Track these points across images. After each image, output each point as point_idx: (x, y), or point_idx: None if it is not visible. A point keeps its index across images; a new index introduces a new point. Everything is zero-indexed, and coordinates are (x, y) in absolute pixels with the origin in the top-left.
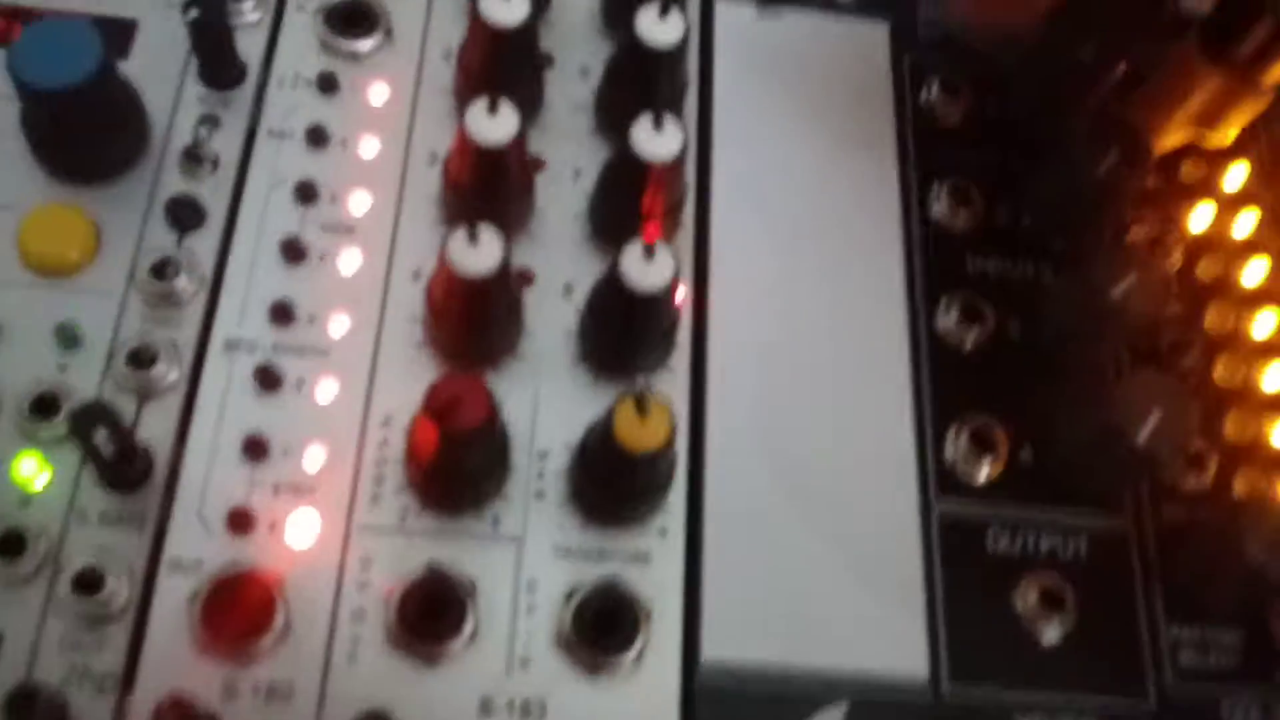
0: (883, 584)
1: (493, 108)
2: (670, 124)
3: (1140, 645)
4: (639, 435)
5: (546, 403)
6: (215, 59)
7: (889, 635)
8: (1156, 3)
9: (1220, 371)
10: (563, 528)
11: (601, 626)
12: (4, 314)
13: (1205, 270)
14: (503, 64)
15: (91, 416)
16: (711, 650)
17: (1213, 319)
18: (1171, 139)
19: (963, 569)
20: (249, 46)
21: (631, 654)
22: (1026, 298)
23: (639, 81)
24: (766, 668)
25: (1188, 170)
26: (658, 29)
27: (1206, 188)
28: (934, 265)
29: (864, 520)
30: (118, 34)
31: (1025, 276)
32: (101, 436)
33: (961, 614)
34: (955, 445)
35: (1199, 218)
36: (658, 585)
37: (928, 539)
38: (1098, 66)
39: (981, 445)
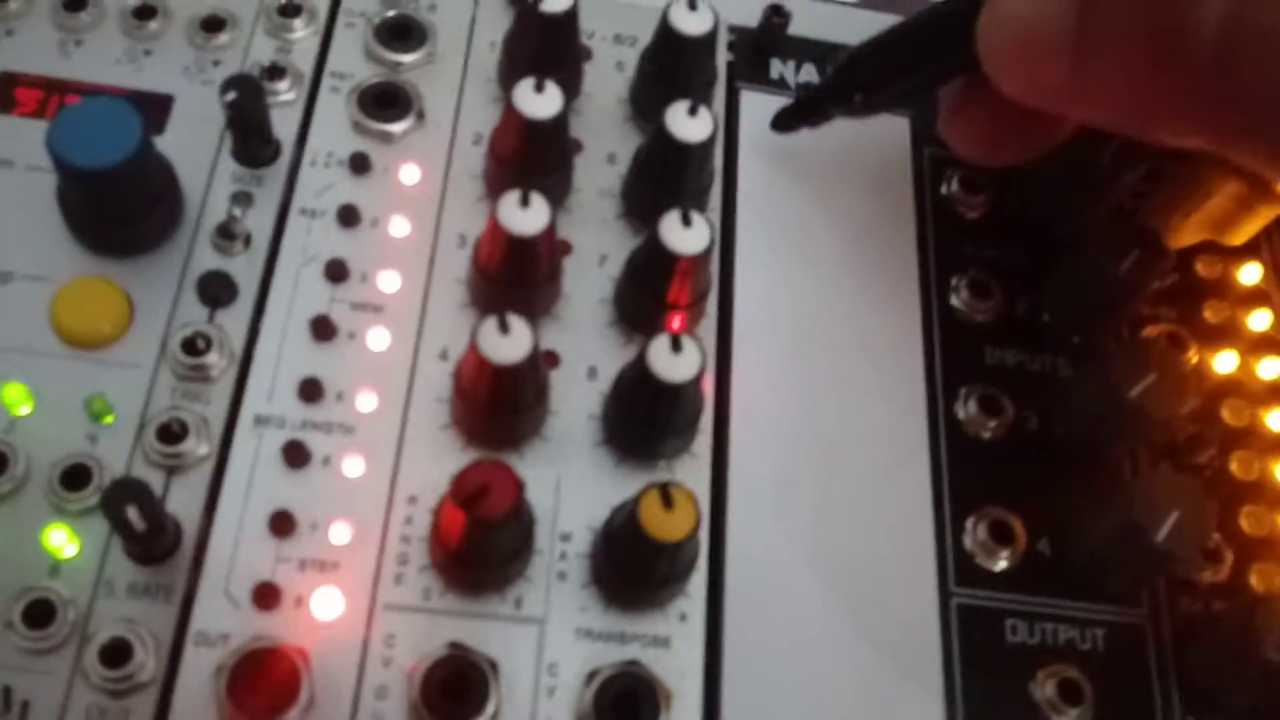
0: (901, 672)
1: (525, 201)
2: (698, 219)
3: None
4: (664, 526)
5: (569, 485)
6: (250, 138)
7: None
8: None
9: (1236, 466)
10: (585, 610)
11: (622, 709)
12: (36, 385)
13: (1223, 365)
14: (534, 153)
15: (124, 493)
16: None
17: (1229, 413)
18: (1187, 239)
19: (981, 658)
20: (283, 125)
21: None
22: (1044, 391)
23: (667, 174)
24: None
25: (1203, 265)
26: (688, 125)
27: (1222, 284)
28: (953, 356)
29: (883, 607)
30: (154, 109)
31: (1044, 370)
32: (133, 514)
33: (979, 703)
34: (974, 535)
35: (1215, 312)
36: (678, 669)
37: (946, 628)
38: (1116, 167)
39: (1000, 536)
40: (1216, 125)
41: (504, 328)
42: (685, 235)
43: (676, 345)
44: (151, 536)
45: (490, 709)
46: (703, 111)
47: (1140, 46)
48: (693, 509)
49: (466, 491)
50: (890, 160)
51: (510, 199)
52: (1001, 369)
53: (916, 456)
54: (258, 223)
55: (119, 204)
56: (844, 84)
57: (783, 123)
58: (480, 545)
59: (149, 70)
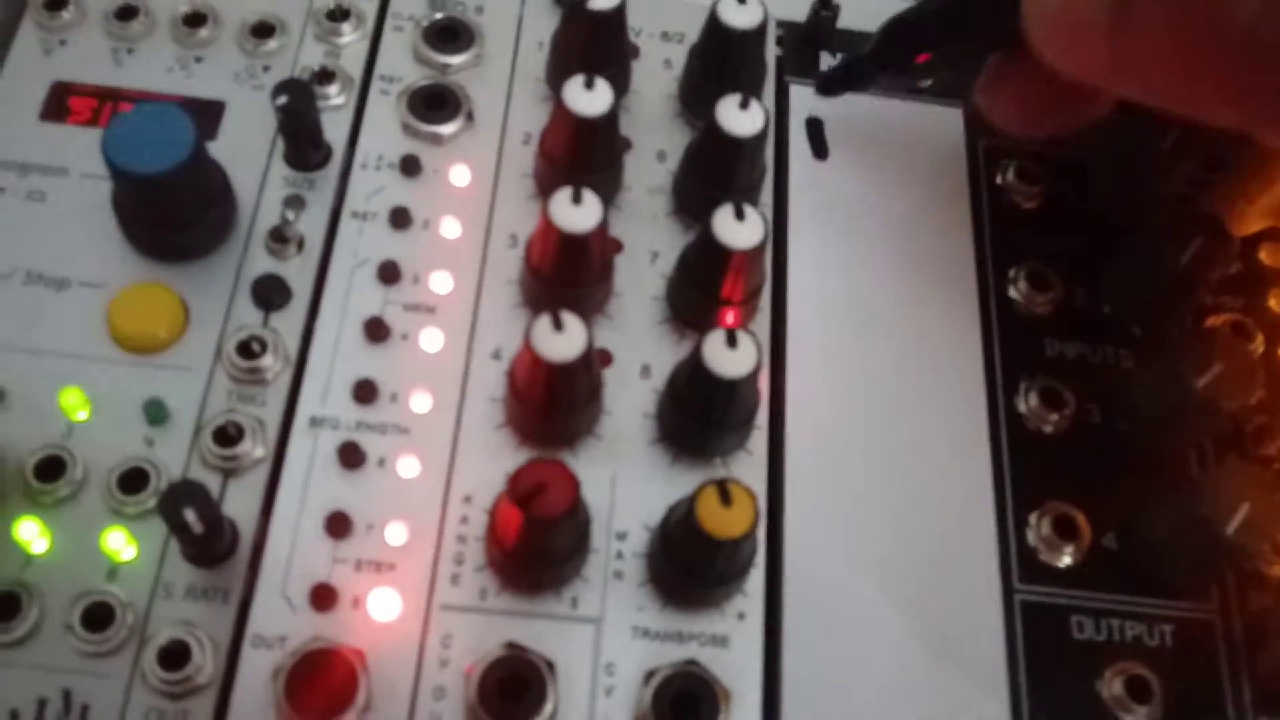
0: (965, 670)
1: (577, 198)
2: (751, 213)
3: None
4: (722, 523)
5: (624, 484)
6: (302, 142)
7: None
8: None
9: None
10: (641, 609)
11: (681, 709)
12: (94, 390)
13: None
14: (584, 150)
15: (181, 496)
16: None
17: None
18: (1251, 226)
19: (1046, 656)
20: (334, 129)
21: None
22: (1107, 383)
23: (719, 169)
24: None
25: (1267, 253)
26: (739, 119)
27: None
28: (1013, 349)
29: (945, 605)
30: (206, 115)
31: (1106, 362)
32: (191, 516)
33: (1045, 702)
34: (1037, 531)
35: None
36: (737, 668)
37: (1010, 625)
38: (1177, 154)
39: (1064, 531)
40: (1252, 106)
41: (558, 325)
42: (739, 229)
43: (732, 340)
44: (209, 538)
45: (548, 709)
46: (754, 105)
47: (1179, 23)
48: (751, 505)
49: (523, 490)
50: (944, 151)
51: (562, 196)
52: (1062, 361)
53: (977, 451)
54: (310, 226)
55: (173, 209)
56: (888, 49)
57: (827, 86)
58: (537, 544)
59: (200, 77)
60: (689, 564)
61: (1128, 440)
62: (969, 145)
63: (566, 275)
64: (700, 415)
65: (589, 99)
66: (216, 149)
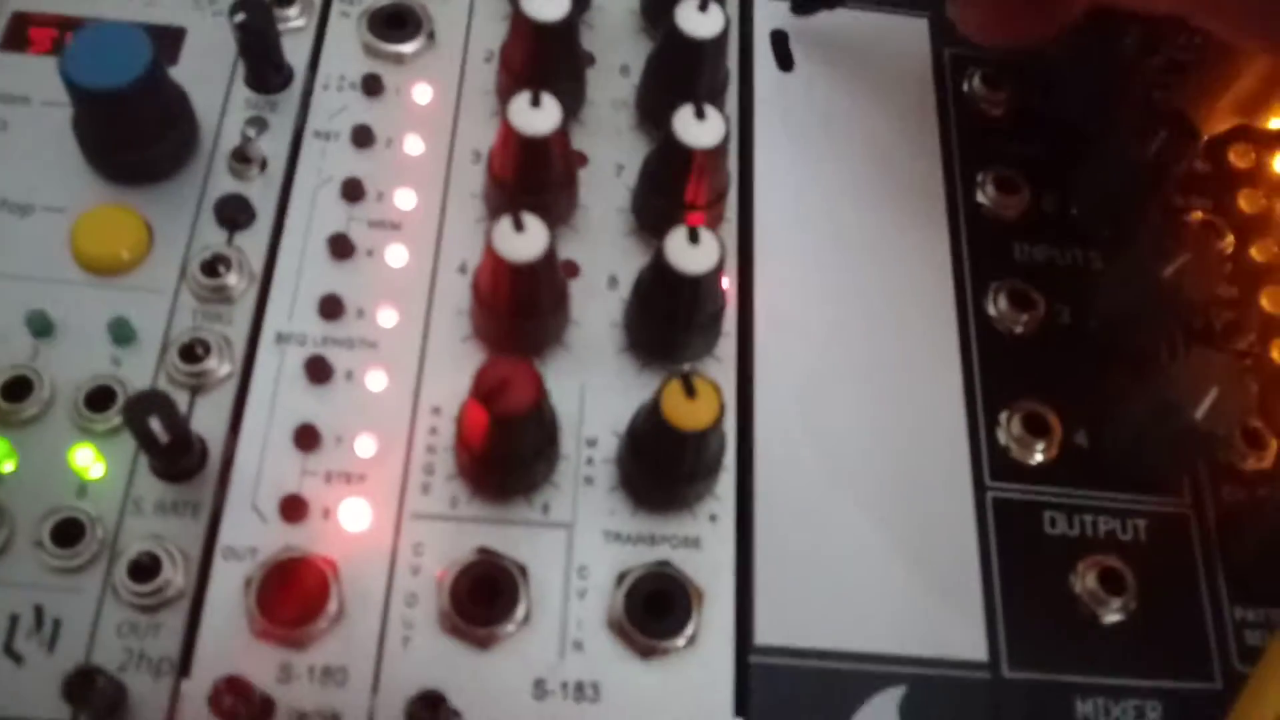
0: (938, 567)
1: (535, 101)
2: (712, 112)
3: (1204, 627)
4: (687, 415)
5: (593, 392)
6: (262, 63)
7: (946, 619)
8: None
9: (1277, 353)
10: (613, 514)
11: (653, 609)
12: (59, 312)
13: (1260, 253)
14: (545, 60)
15: (146, 404)
16: (765, 635)
17: (1268, 301)
18: (1218, 124)
19: (1019, 552)
20: (294, 51)
21: (684, 637)
22: (1076, 284)
23: (680, 74)
24: (821, 652)
25: (1236, 154)
26: (698, 21)
27: (1257, 171)
28: (982, 253)
29: (917, 505)
30: (166, 41)
31: (1074, 263)
32: (156, 425)
33: (1019, 597)
34: (1008, 430)
35: (1250, 201)
36: (710, 570)
37: (983, 523)
38: (1140, 55)
39: (1035, 429)
40: None
41: (519, 226)
42: (699, 128)
43: (694, 237)
44: (176, 450)
45: (520, 612)
46: (713, 7)
47: None
48: (716, 397)
49: (487, 388)
50: (910, 61)
51: (521, 100)
52: (1031, 264)
53: (947, 354)
54: (273, 147)
55: (133, 128)
56: None
57: (801, 5)
58: (504, 443)
59: (160, 4)
60: (657, 461)
61: (1097, 339)
62: (935, 54)
63: (528, 181)
64: (665, 316)
65: (546, 4)
66: (178, 74)
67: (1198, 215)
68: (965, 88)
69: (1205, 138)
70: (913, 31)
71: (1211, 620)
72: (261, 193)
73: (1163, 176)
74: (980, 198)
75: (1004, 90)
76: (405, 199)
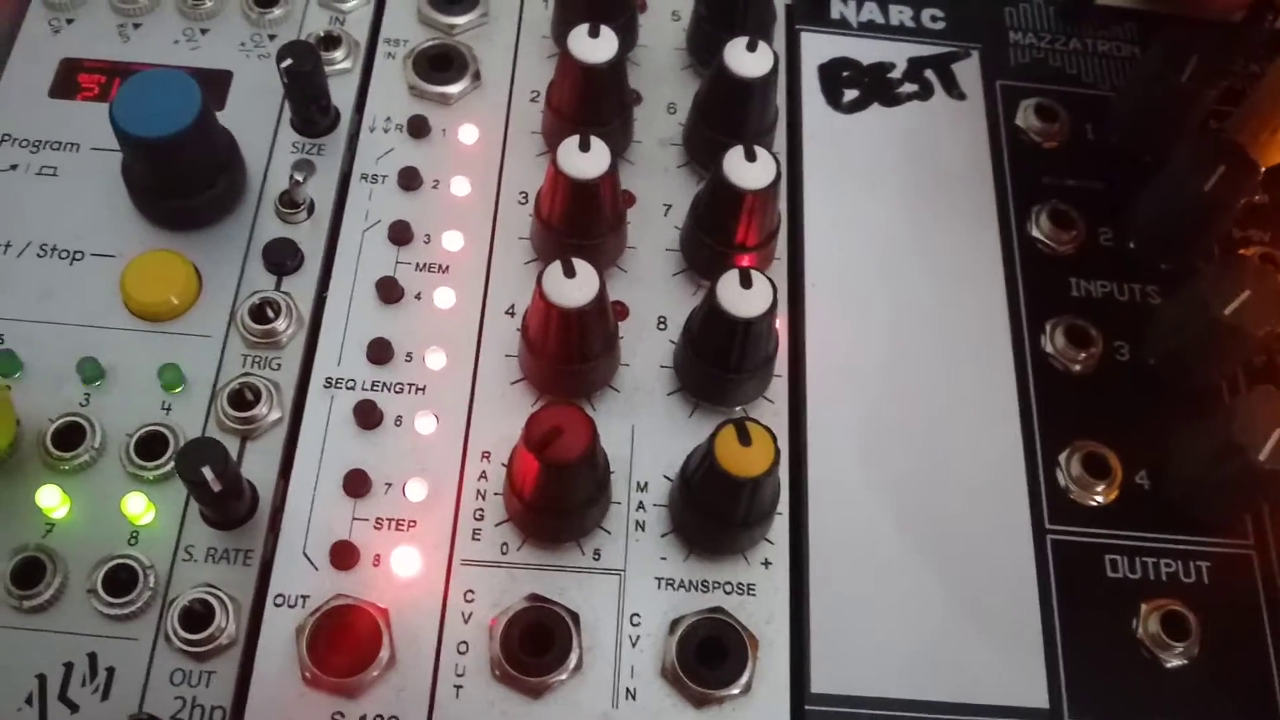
0: (997, 613)
1: (585, 145)
2: (763, 154)
3: (1269, 670)
4: (742, 462)
5: (644, 434)
6: (308, 106)
7: (1005, 666)
8: (1254, 20)
9: None
10: (665, 560)
11: (707, 657)
12: (110, 358)
13: None
14: (593, 101)
15: (199, 453)
16: (821, 683)
17: None
18: (1275, 155)
19: (1080, 596)
20: (341, 93)
21: (739, 685)
22: (1135, 320)
23: (729, 113)
24: (879, 700)
25: None
26: (747, 61)
27: None
28: (1037, 289)
29: (974, 548)
30: (213, 85)
31: (1131, 299)
32: (209, 474)
33: (1080, 642)
34: (1067, 471)
35: None
36: (764, 617)
37: (1042, 566)
38: (1196, 86)
39: (1095, 470)
40: None
41: (569, 272)
42: (750, 170)
43: (746, 280)
44: (227, 498)
45: (573, 660)
46: (762, 46)
47: None
48: (771, 444)
49: (539, 435)
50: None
51: (570, 144)
52: (1088, 300)
53: (1004, 393)
54: (320, 191)
55: (182, 175)
56: None
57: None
58: (555, 490)
59: (207, 48)
60: (711, 508)
61: (1158, 377)
62: (986, 86)
63: (577, 225)
64: (717, 359)
65: (594, 46)
66: (225, 118)
67: (1257, 249)
68: (1018, 120)
69: (1264, 170)
70: (965, 61)
71: (1276, 663)
72: (309, 236)
73: (1222, 209)
74: (1035, 232)
75: (1057, 122)
76: (453, 241)
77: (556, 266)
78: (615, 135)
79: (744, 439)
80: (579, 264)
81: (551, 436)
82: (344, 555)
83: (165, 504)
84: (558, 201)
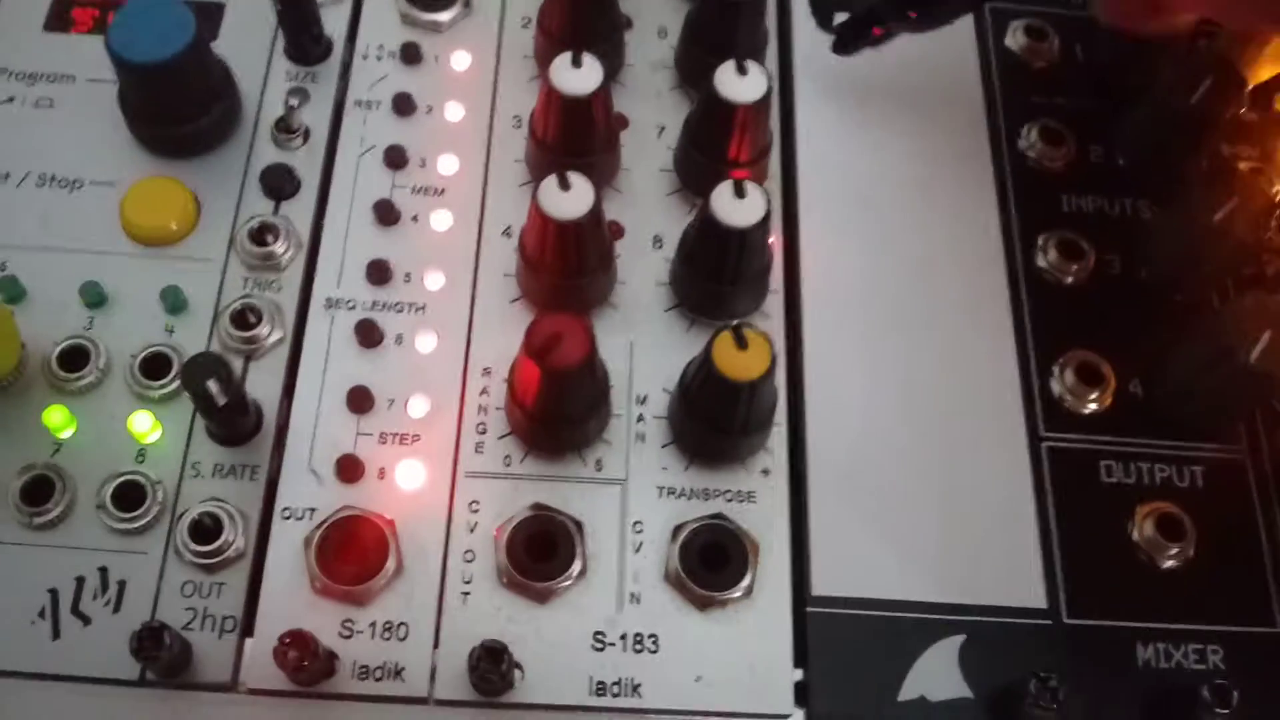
0: (994, 517)
1: (576, 61)
2: (754, 67)
3: (1264, 570)
4: (739, 365)
5: (642, 349)
6: (301, 35)
7: (1003, 567)
8: None
9: None
10: (666, 469)
11: (709, 562)
12: (112, 283)
13: None
14: (584, 23)
15: (204, 367)
16: (822, 586)
17: None
18: (1263, 71)
19: (1075, 501)
20: (333, 23)
21: (741, 589)
22: (1125, 233)
23: (719, 35)
24: (879, 602)
25: None
26: None
27: None
28: (1029, 205)
29: (972, 455)
30: (206, 16)
31: (1122, 213)
32: (214, 387)
33: (1077, 545)
34: (1061, 380)
35: None
36: (764, 522)
37: (1038, 472)
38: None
39: (1088, 379)
40: None
41: (564, 184)
42: (742, 84)
43: (740, 190)
44: (233, 413)
45: (577, 567)
46: None
47: None
48: (767, 348)
49: (539, 342)
50: None
51: (562, 60)
52: (1080, 215)
53: (997, 305)
54: (315, 117)
55: (178, 100)
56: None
57: (842, 45)
58: (556, 398)
59: None
60: (710, 415)
61: (1149, 287)
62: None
63: (571, 143)
64: (712, 272)
65: None
66: (218, 48)
67: (1244, 163)
68: (1008, 41)
69: (1251, 85)
70: None
71: (1270, 564)
72: (305, 162)
73: (1209, 124)
74: (1026, 149)
75: (1046, 42)
76: (448, 165)
77: (552, 180)
78: (607, 58)
79: (741, 343)
80: (574, 176)
81: (552, 343)
82: (349, 469)
83: (171, 422)
84: (551, 119)
